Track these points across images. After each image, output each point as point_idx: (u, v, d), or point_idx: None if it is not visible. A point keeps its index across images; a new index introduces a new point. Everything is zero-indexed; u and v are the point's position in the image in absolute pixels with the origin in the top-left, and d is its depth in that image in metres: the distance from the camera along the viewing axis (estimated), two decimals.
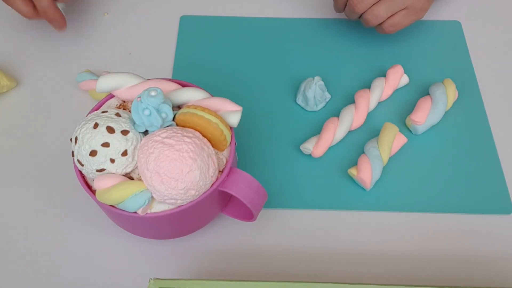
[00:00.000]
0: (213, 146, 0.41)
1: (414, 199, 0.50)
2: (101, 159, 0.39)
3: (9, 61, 0.59)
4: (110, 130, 0.39)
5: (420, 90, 0.57)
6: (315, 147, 0.50)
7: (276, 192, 0.50)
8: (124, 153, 0.39)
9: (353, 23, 0.62)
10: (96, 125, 0.39)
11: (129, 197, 0.39)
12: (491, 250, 0.47)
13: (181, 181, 0.38)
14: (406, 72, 0.57)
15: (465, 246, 0.47)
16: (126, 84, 0.43)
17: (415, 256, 0.47)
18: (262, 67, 0.59)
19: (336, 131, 0.51)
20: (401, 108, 0.56)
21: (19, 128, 0.55)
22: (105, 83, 0.43)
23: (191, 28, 0.62)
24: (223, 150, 0.42)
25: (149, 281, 0.38)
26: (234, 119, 0.42)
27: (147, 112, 0.39)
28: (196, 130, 0.41)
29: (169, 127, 0.41)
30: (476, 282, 0.45)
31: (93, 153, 0.39)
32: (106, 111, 0.41)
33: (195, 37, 0.61)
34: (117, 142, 0.39)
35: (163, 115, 0.40)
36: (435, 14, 0.64)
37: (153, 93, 0.39)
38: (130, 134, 0.39)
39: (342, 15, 0.63)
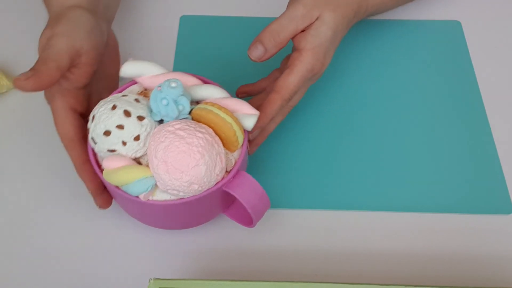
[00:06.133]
0: (224, 145, 0.41)
1: (414, 199, 0.50)
2: (114, 140, 0.40)
3: (9, 61, 0.59)
4: (127, 113, 0.40)
5: (420, 90, 0.57)
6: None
7: (276, 192, 0.49)
8: (137, 138, 0.40)
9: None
10: (114, 107, 0.40)
11: (134, 181, 0.39)
12: (491, 250, 0.47)
13: (186, 173, 0.38)
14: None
15: (465, 246, 0.47)
16: (150, 73, 0.44)
17: (415, 256, 0.47)
18: (262, 67, 0.58)
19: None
20: None
21: (18, 128, 0.55)
22: (129, 68, 0.44)
23: (191, 28, 0.62)
24: (233, 151, 0.42)
25: (149, 281, 0.38)
26: (249, 122, 0.42)
27: (164, 102, 0.40)
28: (210, 127, 0.41)
29: (184, 119, 0.41)
30: (476, 282, 0.45)
31: (107, 133, 0.40)
32: (127, 95, 0.41)
33: (195, 37, 0.61)
34: (132, 126, 0.39)
35: (180, 107, 0.40)
36: (435, 14, 0.64)
37: (173, 85, 0.40)
38: (145, 121, 0.40)
39: None
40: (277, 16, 0.63)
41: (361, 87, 0.57)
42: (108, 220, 0.47)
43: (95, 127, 0.40)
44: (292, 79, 0.46)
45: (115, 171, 0.40)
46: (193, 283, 0.38)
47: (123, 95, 0.42)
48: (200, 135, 0.39)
